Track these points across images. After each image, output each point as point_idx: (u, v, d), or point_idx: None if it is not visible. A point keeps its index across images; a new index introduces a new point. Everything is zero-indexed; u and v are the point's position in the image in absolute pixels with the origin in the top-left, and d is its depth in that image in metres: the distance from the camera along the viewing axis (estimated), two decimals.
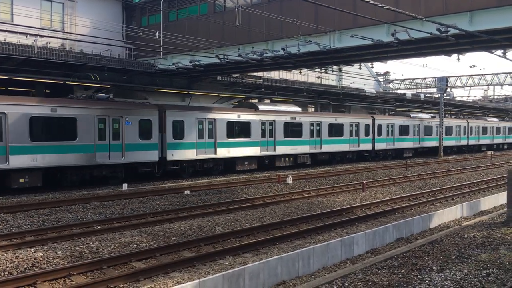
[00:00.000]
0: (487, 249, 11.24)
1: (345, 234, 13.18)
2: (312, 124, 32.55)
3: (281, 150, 30.13)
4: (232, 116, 27.18)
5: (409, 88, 50.64)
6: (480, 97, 66.82)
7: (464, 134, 52.91)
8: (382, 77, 53.10)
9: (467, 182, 25.08)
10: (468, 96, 63.53)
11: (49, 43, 23.33)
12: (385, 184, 24.28)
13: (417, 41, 16.79)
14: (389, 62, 52.40)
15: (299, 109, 32.48)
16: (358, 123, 36.76)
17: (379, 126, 39.06)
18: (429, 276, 9.18)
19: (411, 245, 11.80)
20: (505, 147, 64.46)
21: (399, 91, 50.02)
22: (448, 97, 52.27)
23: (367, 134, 37.63)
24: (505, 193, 16.38)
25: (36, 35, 21.69)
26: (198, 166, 25.98)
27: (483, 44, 17.93)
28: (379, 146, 39.26)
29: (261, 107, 29.61)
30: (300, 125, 31.54)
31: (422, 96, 49.90)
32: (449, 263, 10.09)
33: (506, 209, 15.12)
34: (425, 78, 49.66)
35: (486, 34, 15.51)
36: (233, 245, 11.60)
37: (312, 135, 32.59)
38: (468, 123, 53.95)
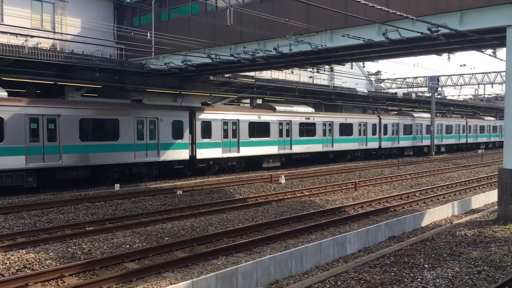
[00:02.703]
0: (478, 246, 11.34)
1: (338, 233, 13.23)
2: (324, 124, 34.30)
3: (296, 148, 31.91)
4: (253, 117, 29.09)
5: (400, 88, 50.81)
6: (471, 96, 67.21)
7: (463, 132, 54.24)
8: (373, 76, 53.27)
9: (458, 181, 25.26)
10: (459, 95, 63.86)
11: (40, 43, 23.17)
12: (377, 183, 24.39)
13: (408, 41, 16.88)
14: (381, 61, 52.58)
15: (312, 110, 34.35)
16: (366, 122, 38.49)
17: (385, 126, 40.90)
18: (421, 274, 9.25)
19: (403, 244, 11.87)
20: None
21: (390, 91, 50.19)
22: (439, 96, 52.55)
23: (374, 133, 39.41)
24: (496, 191, 16.50)
25: (26, 35, 21.53)
26: (223, 164, 27.84)
27: (473, 43, 18.07)
28: (385, 144, 41.08)
29: (278, 108, 31.17)
30: (313, 125, 33.29)
31: (413, 95, 50.14)
32: (440, 261, 10.16)
33: (496, 207, 15.26)
34: (416, 78, 49.84)
35: (476, 34, 15.64)
36: (226, 245, 11.61)
37: (324, 134, 34.35)
38: (467, 122, 55.19)
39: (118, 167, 22.78)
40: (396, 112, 49.98)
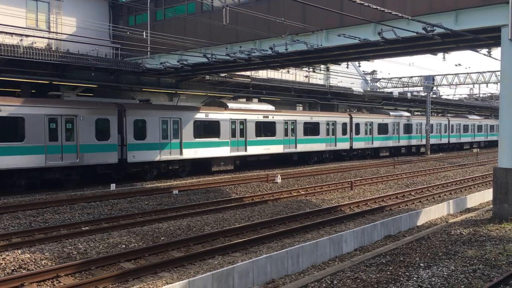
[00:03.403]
0: (473, 245, 11.39)
1: (334, 232, 13.25)
2: (286, 123, 31.50)
3: (253, 150, 29.12)
4: (200, 115, 25.96)
5: (396, 87, 50.95)
6: (466, 96, 67.50)
7: (445, 132, 51.64)
8: (369, 76, 53.42)
9: (453, 180, 25.36)
10: (454, 95, 64.18)
11: (35, 42, 23.10)
12: (373, 182, 24.44)
13: (403, 40, 16.92)
14: (376, 61, 52.56)
15: (272, 108, 31.32)
16: (335, 121, 35.78)
17: (357, 125, 38.20)
18: (417, 273, 9.28)
19: (398, 243, 11.90)
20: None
21: (386, 90, 50.33)
22: (434, 96, 52.72)
23: (344, 133, 36.74)
24: (491, 190, 16.58)
25: (21, 35, 21.45)
26: (163, 168, 24.79)
27: (468, 43, 18.13)
28: (357, 145, 38.41)
29: (230, 105, 28.47)
30: (273, 124, 30.54)
31: (408, 94, 50.30)
32: (436, 259, 10.20)
33: (492, 206, 15.32)
34: (411, 77, 50.06)
35: (471, 33, 15.69)
36: (222, 245, 11.61)
37: (286, 134, 31.56)
38: (449, 121, 52.75)
39: (26, 173, 19.96)
40: (365, 111, 47.47)
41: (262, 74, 35.40)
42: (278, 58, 21.11)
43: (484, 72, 45.61)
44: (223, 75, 30.05)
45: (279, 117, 31.11)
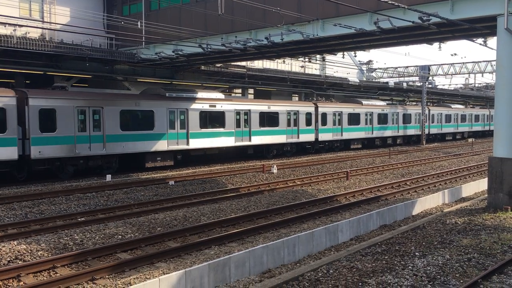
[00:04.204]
0: (468, 234, 11.46)
1: (330, 222, 13.30)
2: (238, 113, 28.26)
3: (197, 143, 25.93)
4: (127, 104, 22.94)
5: (391, 77, 50.86)
6: (462, 85, 67.58)
7: (425, 122, 47.73)
8: (365, 66, 53.35)
9: (449, 169, 25.46)
10: (450, 84, 64.16)
11: (29, 33, 22.88)
12: (369, 172, 24.51)
13: (399, 30, 16.88)
14: (372, 51, 52.44)
15: (221, 96, 28.23)
16: (298, 111, 32.59)
17: (324, 115, 34.95)
18: (412, 262, 9.34)
19: (394, 232, 11.97)
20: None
21: (382, 80, 50.29)
22: (430, 86, 52.70)
23: (309, 123, 33.47)
24: (486, 179, 16.67)
25: (15, 25, 21.23)
26: (80, 164, 21.80)
27: (464, 32, 18.11)
28: (324, 137, 35.00)
29: (169, 93, 25.20)
30: (222, 114, 27.29)
31: (404, 84, 50.27)
32: (431, 248, 10.27)
33: (486, 195, 15.41)
34: (407, 67, 49.97)
35: (467, 23, 15.67)
36: (219, 235, 11.63)
37: (238, 126, 28.33)
38: (429, 110, 49.08)
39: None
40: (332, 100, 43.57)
41: (258, 64, 35.28)
42: (273, 48, 21.03)
43: (480, 61, 45.61)
44: (218, 65, 29.93)
45: (229, 106, 27.85)
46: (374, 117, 40.36)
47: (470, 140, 50.98)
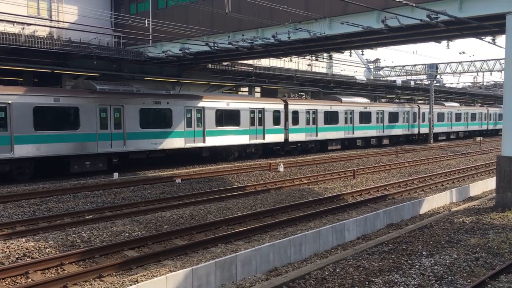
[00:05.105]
0: (476, 234, 11.39)
1: (336, 220, 13.27)
2: (189, 111, 25.37)
3: (136, 145, 23.00)
4: (44, 100, 19.84)
5: (399, 75, 50.60)
6: (470, 84, 67.13)
7: (414, 121, 45.22)
8: (372, 64, 53.13)
9: (456, 168, 25.32)
10: (458, 83, 63.73)
11: (37, 31, 23.01)
12: (376, 171, 24.43)
13: (407, 28, 16.77)
14: (380, 49, 52.02)
15: (168, 91, 25.68)
16: (263, 109, 29.56)
17: (295, 113, 31.85)
18: (419, 261, 9.30)
19: (401, 231, 11.92)
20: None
21: (389, 78, 50.07)
22: (438, 84, 52.35)
23: (277, 122, 30.47)
24: (494, 178, 16.56)
25: (23, 23, 21.37)
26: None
27: (472, 30, 17.98)
28: (295, 137, 31.89)
29: (100, 86, 22.41)
30: (168, 112, 24.40)
31: (412, 83, 50.01)
32: (438, 248, 10.22)
33: (495, 194, 15.31)
34: (415, 65, 49.66)
35: (475, 21, 15.55)
36: (225, 233, 11.65)
37: (189, 125, 25.37)
38: (419, 108, 46.28)
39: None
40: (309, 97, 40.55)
41: (265, 62, 35.25)
42: (280, 47, 20.99)
43: (488, 60, 45.25)
44: (225, 63, 29.92)
45: (177, 102, 24.85)
46: (355, 116, 37.33)
47: (478, 139, 50.65)
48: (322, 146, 34.98)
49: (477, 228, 11.88)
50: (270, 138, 30.25)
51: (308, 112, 32.94)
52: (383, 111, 40.86)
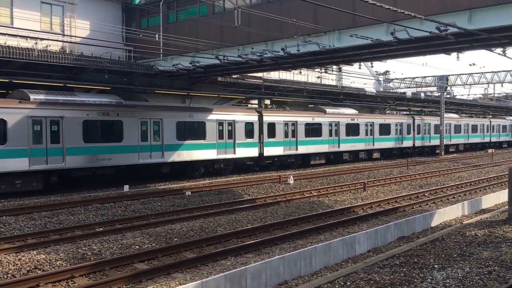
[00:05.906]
0: (488, 247, 11.25)
1: (347, 233, 13.19)
2: (145, 123, 23.12)
3: (75, 161, 20.66)
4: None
5: (409, 87, 50.47)
6: (481, 95, 66.75)
7: (408, 134, 42.96)
8: (382, 76, 53.11)
9: (468, 181, 25.09)
10: (469, 95, 63.45)
11: (49, 46, 23.36)
12: (386, 183, 24.29)
13: (417, 40, 16.80)
14: (389, 61, 51.99)
15: (120, 100, 23.23)
16: (234, 120, 27.37)
17: (271, 125, 29.59)
18: (431, 275, 9.20)
19: (412, 244, 11.81)
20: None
21: (399, 90, 49.97)
22: (448, 96, 52.12)
23: (250, 135, 28.29)
24: (506, 191, 16.38)
25: (36, 38, 21.71)
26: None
27: (482, 42, 17.93)
28: (272, 151, 29.63)
29: (35, 97, 20.10)
30: (118, 124, 22.19)
31: (422, 95, 49.87)
32: (450, 261, 10.10)
33: (507, 207, 15.11)
34: (425, 77, 49.56)
35: (485, 32, 15.52)
36: (235, 246, 11.63)
37: (145, 139, 23.08)
38: (413, 119, 44.00)
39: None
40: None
41: (274, 75, 35.38)
42: (290, 59, 21.10)
43: (499, 71, 45.03)
44: (235, 76, 30.09)
45: (129, 114, 22.61)
46: (341, 128, 34.93)
47: (490, 151, 50.21)
48: (303, 160, 32.63)
49: (490, 241, 11.73)
50: (242, 152, 27.90)
51: (286, 124, 30.73)
52: (373, 122, 38.54)
